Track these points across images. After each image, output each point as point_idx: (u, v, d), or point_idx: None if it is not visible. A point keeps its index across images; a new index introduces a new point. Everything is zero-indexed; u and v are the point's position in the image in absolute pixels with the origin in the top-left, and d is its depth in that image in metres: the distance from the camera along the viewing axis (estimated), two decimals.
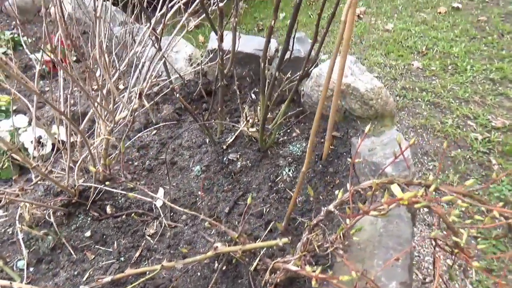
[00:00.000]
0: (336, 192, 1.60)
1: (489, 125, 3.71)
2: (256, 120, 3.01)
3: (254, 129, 2.97)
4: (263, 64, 2.54)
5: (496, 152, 3.40)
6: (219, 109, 3.01)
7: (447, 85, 4.21)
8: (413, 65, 4.49)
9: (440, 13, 5.76)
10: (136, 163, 3.00)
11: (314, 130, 2.04)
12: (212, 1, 2.68)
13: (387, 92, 2.95)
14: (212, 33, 3.45)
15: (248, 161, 2.91)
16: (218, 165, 2.91)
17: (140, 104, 2.18)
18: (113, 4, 3.69)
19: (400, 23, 5.60)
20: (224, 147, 3.02)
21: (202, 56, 3.77)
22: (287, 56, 2.40)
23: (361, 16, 5.93)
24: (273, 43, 3.55)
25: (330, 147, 2.89)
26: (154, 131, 3.32)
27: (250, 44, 3.55)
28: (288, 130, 3.21)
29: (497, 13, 5.46)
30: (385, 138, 2.67)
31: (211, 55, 3.51)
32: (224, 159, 2.95)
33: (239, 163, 2.91)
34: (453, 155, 3.51)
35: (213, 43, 3.56)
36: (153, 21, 2.28)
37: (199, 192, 2.70)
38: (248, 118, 2.97)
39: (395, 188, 1.16)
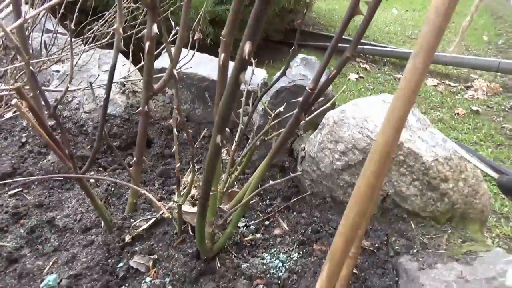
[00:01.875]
0: None
1: None
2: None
3: (194, 209, 1.42)
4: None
5: None
6: (136, 160, 1.49)
7: None
8: None
9: (458, 114, 4.68)
10: None
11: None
12: None
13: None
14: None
15: (168, 279, 1.30)
16: (101, 279, 1.30)
17: None
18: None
19: None
20: (127, 238, 1.42)
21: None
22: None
23: None
24: (261, 74, 2.17)
25: (352, 271, 1.31)
26: (19, 189, 1.75)
27: (214, 64, 2.18)
28: (267, 222, 1.65)
29: None
30: (482, 267, 1.11)
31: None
32: (119, 266, 1.35)
33: (146, 280, 1.30)
34: None
35: (161, 61, 2.19)
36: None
37: None
38: (187, 187, 1.44)
39: None
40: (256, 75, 2.11)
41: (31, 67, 1.09)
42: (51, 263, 1.40)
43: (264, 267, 1.39)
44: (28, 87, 1.81)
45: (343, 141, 1.50)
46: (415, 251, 1.34)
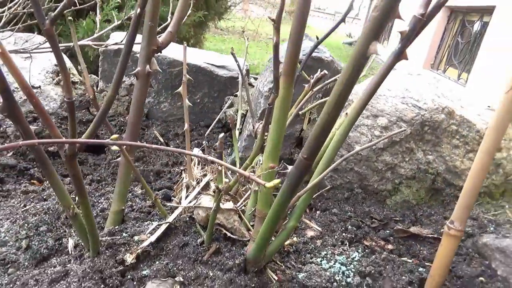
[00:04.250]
0: None
1: None
2: (228, 187, 1.06)
3: (229, 205, 1.00)
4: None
5: None
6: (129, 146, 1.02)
7: None
8: None
9: None
10: None
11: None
12: None
13: None
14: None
15: None
16: None
17: None
18: None
19: None
20: (129, 259, 0.93)
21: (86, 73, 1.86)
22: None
23: None
24: (241, 61, 1.86)
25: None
26: None
27: (196, 55, 1.81)
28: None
29: None
30: None
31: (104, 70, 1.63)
32: None
33: None
34: None
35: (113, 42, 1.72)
36: None
37: None
38: (208, 174, 1.02)
39: None
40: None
41: None
42: None
43: (327, 273, 1.04)
44: None
45: (384, 114, 1.28)
46: (491, 229, 1.15)
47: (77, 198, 0.87)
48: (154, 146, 0.58)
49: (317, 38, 1.14)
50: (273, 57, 0.76)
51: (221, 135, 0.86)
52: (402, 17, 0.63)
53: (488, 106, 3.22)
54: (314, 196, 1.40)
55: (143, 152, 1.61)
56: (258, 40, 8.53)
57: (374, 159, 1.33)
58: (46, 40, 0.71)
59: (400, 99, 1.29)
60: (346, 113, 0.97)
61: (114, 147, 0.71)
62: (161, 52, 1.09)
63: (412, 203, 1.34)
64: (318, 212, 1.40)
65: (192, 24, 4.05)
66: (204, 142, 1.68)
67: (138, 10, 0.72)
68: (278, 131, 0.91)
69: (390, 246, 1.23)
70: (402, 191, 1.35)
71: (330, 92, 1.48)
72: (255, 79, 2.31)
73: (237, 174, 0.97)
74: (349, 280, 1.04)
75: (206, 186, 1.11)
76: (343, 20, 1.06)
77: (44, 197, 1.24)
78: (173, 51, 1.69)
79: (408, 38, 0.86)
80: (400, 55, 0.87)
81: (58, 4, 0.69)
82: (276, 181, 0.61)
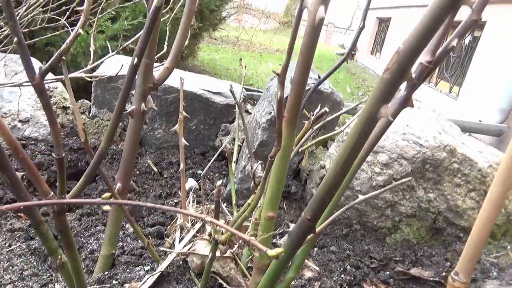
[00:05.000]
0: None
1: None
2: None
3: (225, 250, 0.96)
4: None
5: None
6: (121, 186, 0.97)
7: None
8: None
9: None
10: None
11: None
12: None
13: None
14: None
15: None
16: None
17: None
18: None
19: None
20: None
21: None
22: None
23: None
24: (239, 88, 1.83)
25: None
26: None
27: (191, 80, 1.77)
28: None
29: None
30: None
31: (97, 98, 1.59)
32: None
33: None
34: None
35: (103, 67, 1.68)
36: None
37: None
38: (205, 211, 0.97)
39: None
40: (235, 89, 1.77)
41: None
42: None
43: None
44: None
45: (384, 151, 1.25)
46: (494, 274, 1.12)
47: (65, 251, 0.82)
48: (149, 204, 0.53)
49: (319, 77, 1.11)
50: (276, 111, 0.72)
51: (219, 182, 0.82)
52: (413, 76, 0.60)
53: (480, 120, 3.18)
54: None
55: (136, 181, 1.56)
56: (252, 50, 8.56)
57: (374, 196, 1.30)
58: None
59: (401, 135, 1.27)
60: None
61: (106, 207, 0.67)
62: (157, 89, 1.05)
63: (413, 242, 1.31)
64: (316, 249, 1.36)
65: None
66: (199, 171, 1.64)
67: (135, 60, 0.68)
68: (278, 179, 0.87)
69: None
70: (402, 229, 1.32)
71: (327, 124, 1.43)
72: (250, 95, 2.26)
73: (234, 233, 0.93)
74: None
75: (202, 227, 1.07)
76: (345, 60, 1.03)
77: (31, 235, 1.18)
78: (169, 78, 1.65)
79: (414, 85, 0.83)
80: (406, 101, 0.84)
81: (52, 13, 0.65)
82: (279, 250, 0.57)
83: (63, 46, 0.61)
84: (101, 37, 2.39)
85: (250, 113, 1.86)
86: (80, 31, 0.60)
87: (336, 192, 0.67)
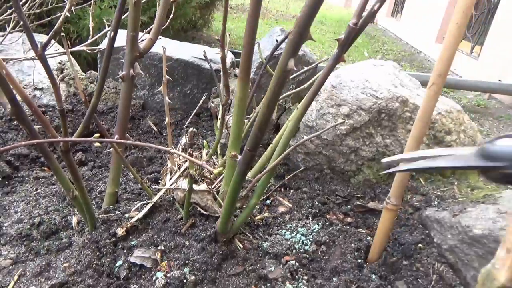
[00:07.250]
0: None
1: None
2: (207, 172, 1.25)
3: (203, 187, 1.19)
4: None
5: None
6: (118, 138, 1.21)
7: None
8: None
9: None
10: None
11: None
12: None
13: (472, 123, 1.52)
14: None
15: (187, 268, 1.05)
16: (98, 283, 1.00)
17: None
18: None
19: None
20: (120, 232, 1.13)
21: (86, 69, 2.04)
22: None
23: None
24: (228, 54, 2.02)
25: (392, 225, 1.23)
26: None
27: (184, 49, 1.97)
28: (268, 201, 1.49)
29: None
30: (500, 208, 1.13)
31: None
32: (117, 265, 1.06)
33: (158, 276, 1.04)
34: None
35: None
36: None
37: None
38: (190, 154, 1.21)
39: None
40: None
41: None
42: (15, 277, 1.04)
43: (288, 242, 1.24)
44: None
45: (346, 104, 1.44)
46: (435, 203, 1.32)
47: (74, 184, 1.07)
48: (136, 142, 0.76)
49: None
50: (222, 69, 0.92)
51: (191, 129, 1.04)
52: (313, 38, 0.79)
53: (499, 80, 3.14)
54: (289, 176, 1.59)
55: (139, 139, 1.81)
56: (268, 18, 8.49)
57: (339, 143, 1.50)
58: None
59: (361, 89, 1.44)
60: (297, 107, 1.13)
61: (97, 144, 0.90)
62: (143, 57, 1.26)
63: (373, 181, 1.52)
64: (291, 190, 1.58)
65: (198, 5, 4.09)
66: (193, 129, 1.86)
67: (112, 34, 0.89)
68: (237, 125, 1.08)
69: (349, 219, 1.41)
70: (364, 171, 1.52)
71: (303, 83, 1.65)
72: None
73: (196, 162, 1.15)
74: (306, 248, 1.24)
75: (186, 171, 1.30)
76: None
77: (52, 182, 1.45)
78: (167, 49, 1.85)
79: (343, 45, 1.01)
80: (338, 59, 1.02)
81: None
82: (220, 168, 0.80)
83: (56, 25, 0.83)
84: (113, 12, 2.60)
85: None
86: (67, 14, 0.81)
87: (266, 128, 0.88)
